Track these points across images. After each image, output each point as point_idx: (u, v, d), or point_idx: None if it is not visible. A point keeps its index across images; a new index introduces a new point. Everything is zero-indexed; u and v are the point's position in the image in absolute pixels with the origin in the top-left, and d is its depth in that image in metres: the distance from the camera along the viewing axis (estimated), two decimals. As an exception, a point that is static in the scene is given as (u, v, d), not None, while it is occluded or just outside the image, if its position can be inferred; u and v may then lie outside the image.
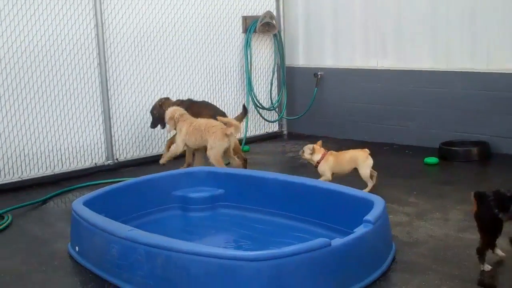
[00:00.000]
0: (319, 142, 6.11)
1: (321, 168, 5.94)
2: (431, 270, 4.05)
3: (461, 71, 7.44)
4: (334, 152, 6.07)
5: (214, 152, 6.01)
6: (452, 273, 3.99)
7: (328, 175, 5.90)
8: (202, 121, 6.26)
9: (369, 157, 5.89)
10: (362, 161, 5.86)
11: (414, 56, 7.88)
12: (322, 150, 6.01)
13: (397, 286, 3.87)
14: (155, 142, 7.56)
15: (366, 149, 5.96)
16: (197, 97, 7.97)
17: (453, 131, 7.47)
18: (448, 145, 7.06)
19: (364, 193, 4.70)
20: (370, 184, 5.83)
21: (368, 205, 4.34)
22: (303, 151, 6.09)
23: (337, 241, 3.81)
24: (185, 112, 6.39)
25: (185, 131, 6.20)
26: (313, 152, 5.98)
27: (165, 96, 7.20)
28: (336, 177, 5.85)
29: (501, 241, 4.14)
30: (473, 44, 7.32)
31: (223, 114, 6.79)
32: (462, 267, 4.08)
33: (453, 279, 3.90)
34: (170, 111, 6.35)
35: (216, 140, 6.01)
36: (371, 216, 4.10)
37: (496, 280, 3.90)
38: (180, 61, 7.77)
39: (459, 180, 6.22)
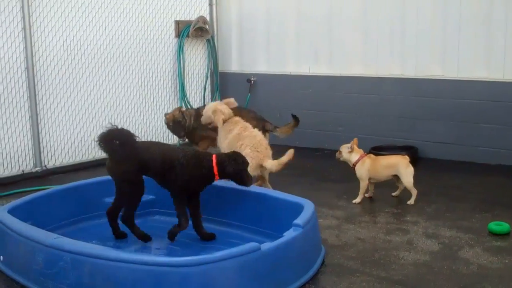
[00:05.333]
0: (355, 140, 5.86)
1: (358, 171, 5.75)
2: (358, 272, 4.12)
3: (390, 77, 7.66)
4: (372, 155, 5.91)
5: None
6: (379, 275, 4.08)
7: (365, 180, 5.73)
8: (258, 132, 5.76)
9: (410, 164, 5.67)
10: (403, 168, 5.64)
11: (345, 63, 8.05)
12: (361, 151, 5.81)
13: (325, 289, 3.92)
14: (85, 148, 7.38)
15: (406, 156, 5.78)
16: (129, 103, 7.87)
17: (383, 136, 7.67)
18: (377, 150, 7.23)
19: (294, 197, 4.73)
20: (414, 192, 5.66)
21: (298, 209, 4.38)
22: (340, 151, 5.87)
23: (267, 245, 3.83)
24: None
25: (236, 133, 5.65)
26: (351, 150, 5.78)
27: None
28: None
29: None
30: (402, 50, 7.55)
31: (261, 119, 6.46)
32: (389, 269, 4.18)
33: (380, 280, 3.99)
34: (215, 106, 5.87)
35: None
36: (300, 220, 4.14)
37: (422, 282, 4.01)
38: (111, 65, 7.63)
39: (387, 184, 6.38)
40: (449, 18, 7.17)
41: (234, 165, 4.47)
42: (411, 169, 5.69)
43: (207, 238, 4.70)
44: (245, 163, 4.55)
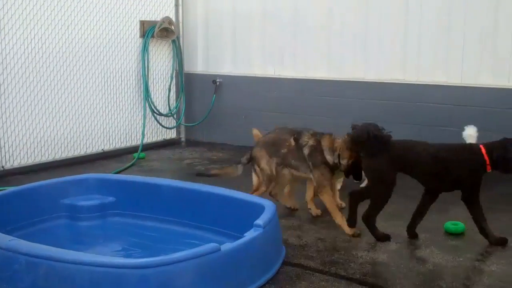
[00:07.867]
0: None
1: None
2: (318, 272, 4.15)
3: (354, 81, 7.73)
4: None
5: None
6: (338, 274, 4.11)
7: None
8: None
9: None
10: None
11: (309, 66, 8.10)
12: None
13: (285, 289, 3.93)
14: (44, 148, 7.26)
15: None
16: (91, 102, 7.77)
17: (346, 138, 7.72)
18: (340, 151, 7.28)
19: (255, 197, 4.74)
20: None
21: (259, 210, 4.38)
22: None
23: (227, 246, 3.82)
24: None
25: None
26: None
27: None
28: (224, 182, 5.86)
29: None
30: (365, 54, 7.63)
31: None
32: (348, 268, 4.21)
33: (339, 280, 4.02)
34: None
35: None
36: (261, 220, 4.14)
37: (380, 280, 4.05)
38: (74, 64, 7.53)
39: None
40: (410, 24, 7.27)
41: (502, 151, 4.30)
42: None
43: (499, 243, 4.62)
44: None
